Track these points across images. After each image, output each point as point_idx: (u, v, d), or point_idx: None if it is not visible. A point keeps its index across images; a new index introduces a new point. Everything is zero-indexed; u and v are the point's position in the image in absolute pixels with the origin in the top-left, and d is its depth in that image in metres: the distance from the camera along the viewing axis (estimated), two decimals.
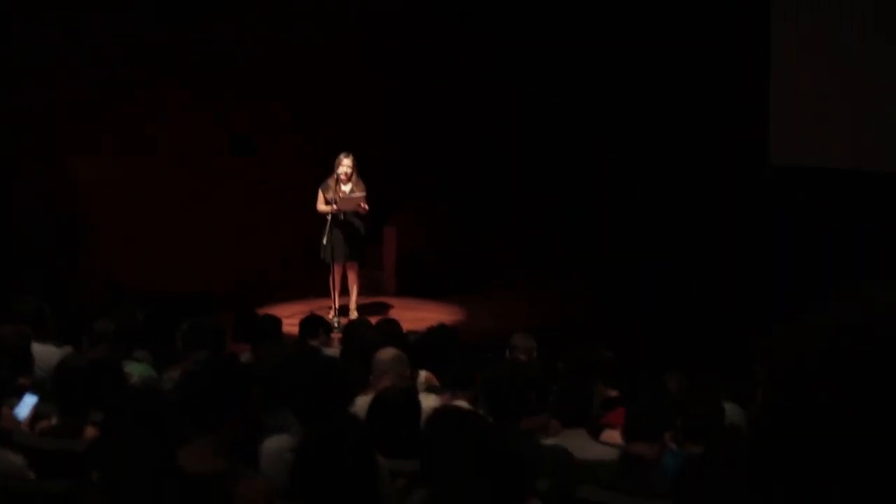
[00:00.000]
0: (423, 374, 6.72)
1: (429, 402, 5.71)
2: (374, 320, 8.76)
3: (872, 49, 12.64)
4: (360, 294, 11.82)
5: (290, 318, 10.06)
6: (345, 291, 11.63)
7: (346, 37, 13.58)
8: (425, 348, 7.00)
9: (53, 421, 5.18)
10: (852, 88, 12.75)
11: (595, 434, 5.56)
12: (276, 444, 4.55)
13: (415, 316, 11.55)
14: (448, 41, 13.99)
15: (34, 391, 5.62)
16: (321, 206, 11.28)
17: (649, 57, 13.63)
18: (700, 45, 13.38)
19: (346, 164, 11.21)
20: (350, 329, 7.98)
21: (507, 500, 3.38)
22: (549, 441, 5.23)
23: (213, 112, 12.64)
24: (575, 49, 13.96)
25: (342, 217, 11.22)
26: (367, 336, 7.29)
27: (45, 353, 6.34)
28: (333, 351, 7.62)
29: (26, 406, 5.45)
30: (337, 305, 11.51)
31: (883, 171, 12.61)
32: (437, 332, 7.44)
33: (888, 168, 12.55)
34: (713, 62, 13.39)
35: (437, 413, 4.30)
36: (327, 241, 11.21)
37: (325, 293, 11.65)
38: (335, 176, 11.21)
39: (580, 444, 5.15)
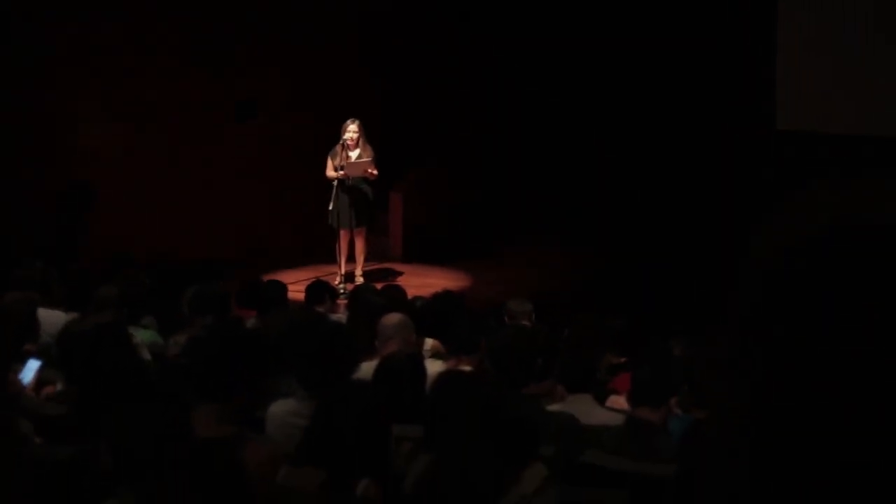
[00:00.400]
0: (429, 342, 6.73)
1: (434, 367, 5.72)
2: (379, 286, 8.78)
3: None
4: (366, 260, 11.82)
5: (296, 284, 10.07)
6: (351, 258, 11.62)
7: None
8: (431, 314, 7.01)
9: (59, 387, 5.19)
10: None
11: (601, 399, 5.57)
12: (281, 409, 4.55)
13: (421, 282, 11.56)
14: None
15: (38, 356, 5.63)
16: (329, 173, 11.26)
17: (658, 41, 13.57)
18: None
19: (351, 130, 11.18)
20: (356, 294, 8.00)
21: (511, 464, 3.38)
22: (554, 406, 5.23)
23: (218, 79, 12.60)
24: (579, 27, 13.91)
25: (349, 182, 11.20)
26: (372, 301, 7.30)
27: (53, 319, 6.34)
28: (339, 317, 7.63)
29: (30, 371, 5.47)
30: (343, 272, 11.51)
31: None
32: (443, 299, 7.45)
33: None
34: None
35: (442, 377, 4.30)
36: (333, 207, 11.19)
37: (331, 259, 11.65)
38: (342, 142, 11.18)
39: (585, 410, 5.15)
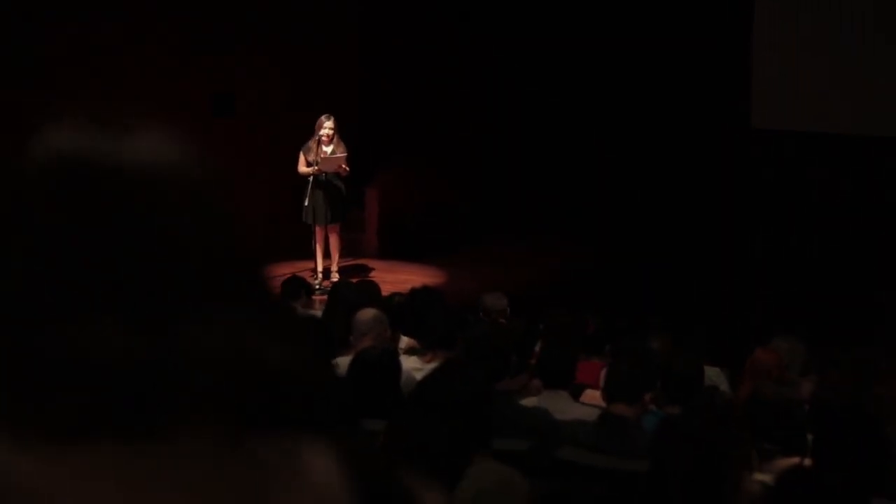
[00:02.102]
0: (405, 340, 6.72)
1: (409, 363, 5.72)
2: (354, 282, 8.76)
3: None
4: (342, 256, 11.81)
5: (272, 279, 10.02)
6: (327, 254, 11.62)
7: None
8: (409, 311, 6.98)
9: None
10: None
11: (576, 395, 5.57)
12: None
13: (396, 278, 11.55)
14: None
15: None
16: (302, 168, 11.26)
17: (644, 43, 13.60)
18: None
19: (327, 127, 11.17)
20: (334, 290, 7.99)
21: (457, 450, 3.28)
22: (529, 402, 5.23)
23: (196, 72, 12.57)
24: (568, 29, 13.94)
25: (324, 178, 11.19)
26: (350, 297, 7.28)
27: None
28: (315, 313, 7.61)
29: None
30: (320, 268, 11.50)
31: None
32: (421, 295, 7.43)
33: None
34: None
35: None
36: (309, 203, 11.20)
37: (308, 255, 11.63)
38: (316, 138, 11.17)
39: (560, 406, 5.15)
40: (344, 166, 11.16)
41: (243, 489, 0.85)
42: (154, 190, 0.87)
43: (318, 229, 11.36)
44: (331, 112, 11.34)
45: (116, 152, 0.88)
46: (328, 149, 11.18)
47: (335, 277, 11.32)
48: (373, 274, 11.94)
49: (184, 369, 0.83)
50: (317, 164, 11.12)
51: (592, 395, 5.55)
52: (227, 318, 0.86)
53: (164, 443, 0.83)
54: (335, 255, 11.63)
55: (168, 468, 0.83)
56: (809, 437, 4.26)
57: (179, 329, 0.83)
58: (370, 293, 7.62)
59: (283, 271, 11.00)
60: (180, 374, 0.83)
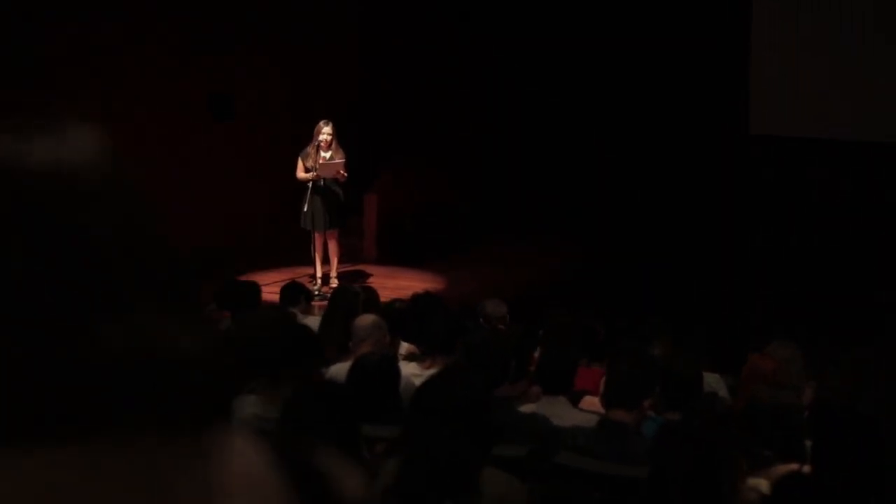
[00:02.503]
0: (405, 346, 6.73)
1: (408, 369, 5.72)
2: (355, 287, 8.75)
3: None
4: (340, 262, 11.81)
5: (272, 285, 10.04)
6: (326, 260, 11.62)
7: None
8: (411, 317, 6.98)
9: None
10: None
11: (575, 401, 5.57)
12: (248, 410, 4.54)
13: (396, 284, 11.55)
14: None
15: None
16: (300, 174, 11.26)
17: (643, 46, 13.61)
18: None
19: (325, 132, 11.18)
20: (334, 295, 8.00)
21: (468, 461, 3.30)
22: (528, 408, 5.23)
23: (195, 75, 12.57)
24: (568, 31, 13.95)
25: (322, 184, 11.19)
26: (351, 303, 7.29)
27: None
28: (314, 319, 7.61)
29: None
30: (319, 274, 11.50)
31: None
32: (423, 301, 7.42)
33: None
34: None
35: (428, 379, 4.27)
36: (307, 209, 11.20)
37: (307, 261, 11.63)
38: (315, 144, 11.18)
39: (559, 412, 5.16)
40: (342, 172, 11.17)
41: (163, 479, 0.86)
42: (66, 190, 0.87)
43: (316, 235, 11.36)
44: (330, 113, 11.37)
45: (27, 153, 0.87)
46: (327, 154, 11.18)
47: (334, 283, 11.32)
48: (372, 280, 11.93)
49: (99, 368, 0.84)
50: (315, 170, 11.12)
51: (591, 402, 5.54)
52: (141, 315, 0.87)
53: (84, 443, 0.84)
54: (334, 261, 11.63)
55: (87, 466, 0.84)
56: (808, 443, 4.26)
57: (93, 329, 0.84)
58: (369, 299, 7.62)
59: (282, 277, 11.01)
60: (96, 373, 0.84)
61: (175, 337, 0.88)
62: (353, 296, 7.71)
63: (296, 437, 1.02)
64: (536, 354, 6.13)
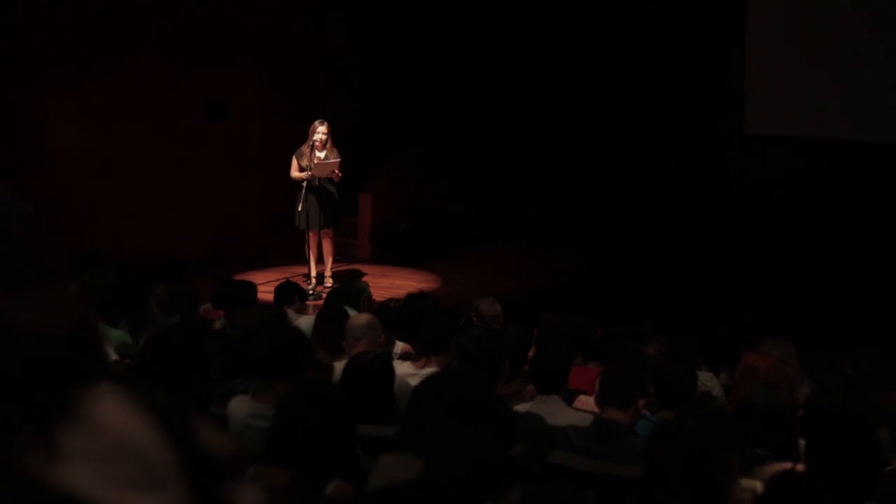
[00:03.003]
0: (400, 345, 6.73)
1: (403, 368, 5.73)
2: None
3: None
4: (334, 261, 11.81)
5: (267, 284, 10.04)
6: (321, 259, 11.61)
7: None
8: (406, 316, 6.99)
9: None
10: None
11: (569, 400, 5.58)
12: (242, 409, 4.55)
13: (390, 283, 11.56)
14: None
15: None
16: (295, 174, 11.25)
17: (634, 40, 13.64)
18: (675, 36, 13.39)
19: (321, 132, 11.16)
20: (330, 295, 8.02)
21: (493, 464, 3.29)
22: (522, 407, 5.24)
23: (190, 77, 12.57)
24: (564, 36, 13.97)
25: (316, 183, 11.18)
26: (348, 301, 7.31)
27: None
28: (308, 318, 7.61)
29: None
30: (314, 273, 11.49)
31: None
32: (418, 300, 7.43)
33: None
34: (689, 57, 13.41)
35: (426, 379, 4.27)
36: (302, 209, 11.18)
37: (301, 260, 11.63)
38: (310, 143, 11.17)
39: (554, 411, 5.16)
40: (337, 171, 11.15)
41: (28, 443, 0.90)
42: None
43: (311, 235, 11.35)
44: (325, 116, 11.34)
45: None
46: (321, 154, 11.17)
47: (328, 283, 11.33)
48: (366, 279, 11.92)
49: None
50: (310, 170, 11.10)
51: (586, 401, 5.56)
52: None
53: None
54: (328, 261, 11.62)
55: None
56: (801, 442, 4.27)
57: None
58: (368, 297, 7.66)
59: (277, 276, 11.01)
60: None
61: (19, 313, 0.92)
62: (357, 292, 7.77)
63: (164, 396, 1.06)
64: (531, 353, 6.15)
